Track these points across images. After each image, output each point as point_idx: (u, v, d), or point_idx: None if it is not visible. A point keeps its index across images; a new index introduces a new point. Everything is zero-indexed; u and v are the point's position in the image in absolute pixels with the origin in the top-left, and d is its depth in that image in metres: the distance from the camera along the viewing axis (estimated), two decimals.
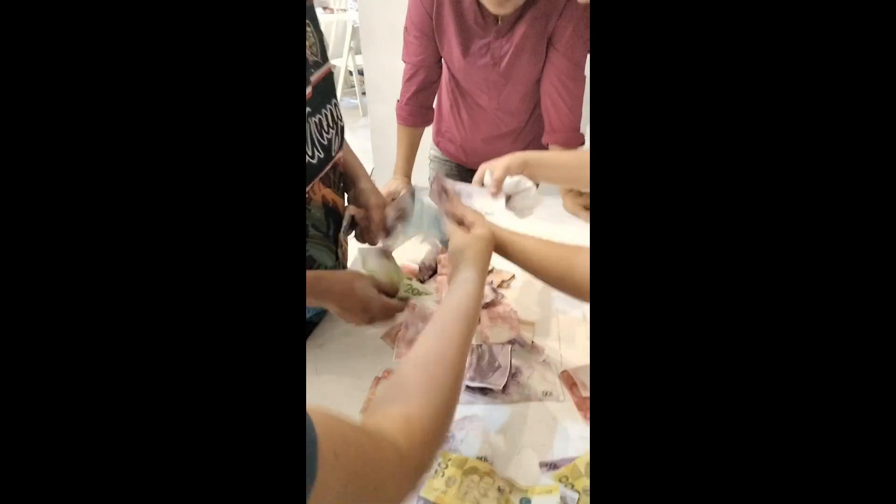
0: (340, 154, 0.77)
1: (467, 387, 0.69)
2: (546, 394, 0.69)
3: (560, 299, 0.88)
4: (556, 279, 0.66)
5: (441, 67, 1.16)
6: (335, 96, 0.74)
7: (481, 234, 0.66)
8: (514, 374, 0.71)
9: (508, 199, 0.83)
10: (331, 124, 0.72)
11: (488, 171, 0.81)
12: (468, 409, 0.66)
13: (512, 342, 0.76)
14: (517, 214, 0.85)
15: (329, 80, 0.72)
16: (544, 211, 1.16)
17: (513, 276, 0.93)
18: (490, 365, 0.72)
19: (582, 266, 0.62)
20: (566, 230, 1.08)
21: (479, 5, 1.00)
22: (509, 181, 0.80)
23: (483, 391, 0.68)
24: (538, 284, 0.92)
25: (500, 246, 0.68)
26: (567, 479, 0.59)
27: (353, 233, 0.83)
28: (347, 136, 0.80)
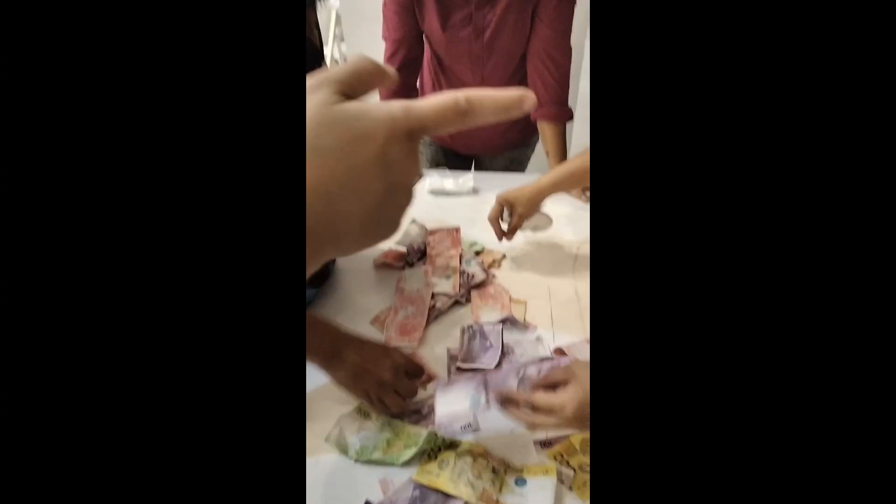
0: None
1: (458, 368, 0.67)
2: (543, 360, 0.67)
3: (552, 277, 0.86)
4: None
5: (423, 44, 1.13)
6: None
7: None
8: (506, 353, 0.69)
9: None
10: None
11: (506, 207, 0.86)
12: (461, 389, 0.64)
13: (504, 321, 0.74)
14: (532, 231, 0.93)
15: None
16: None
17: (503, 256, 0.91)
18: (482, 345, 0.70)
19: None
20: (556, 210, 1.06)
21: None
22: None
23: (475, 372, 0.66)
24: (529, 263, 0.90)
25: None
26: (562, 456, 0.57)
27: None
28: None
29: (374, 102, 0.22)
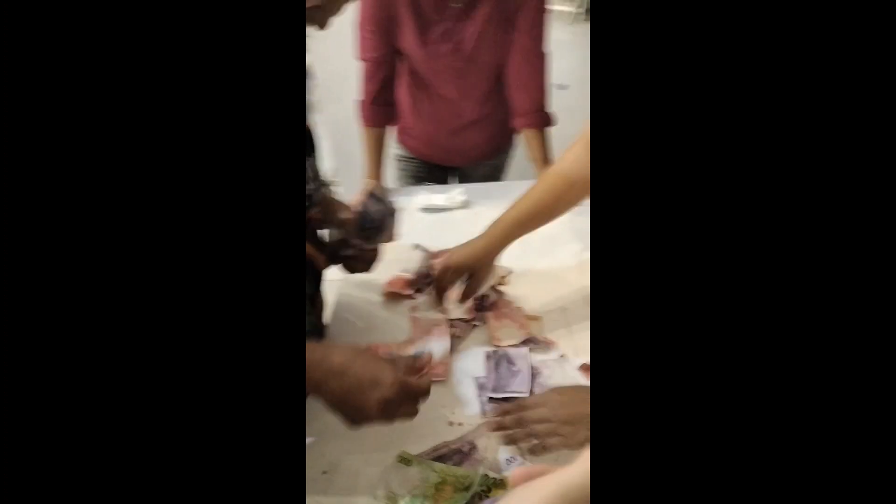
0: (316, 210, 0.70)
1: (491, 398, 0.66)
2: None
3: (560, 287, 0.86)
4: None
5: (398, 61, 1.11)
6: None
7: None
8: (534, 376, 0.69)
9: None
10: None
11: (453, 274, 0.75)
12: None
13: (526, 342, 0.74)
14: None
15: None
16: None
17: (510, 272, 0.90)
18: (509, 371, 0.69)
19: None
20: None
21: None
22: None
23: (508, 400, 0.66)
24: (535, 276, 0.90)
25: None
26: None
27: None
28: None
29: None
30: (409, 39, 1.02)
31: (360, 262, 0.74)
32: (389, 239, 0.76)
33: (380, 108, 1.12)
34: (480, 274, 0.76)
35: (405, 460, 0.59)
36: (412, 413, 0.53)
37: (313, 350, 0.49)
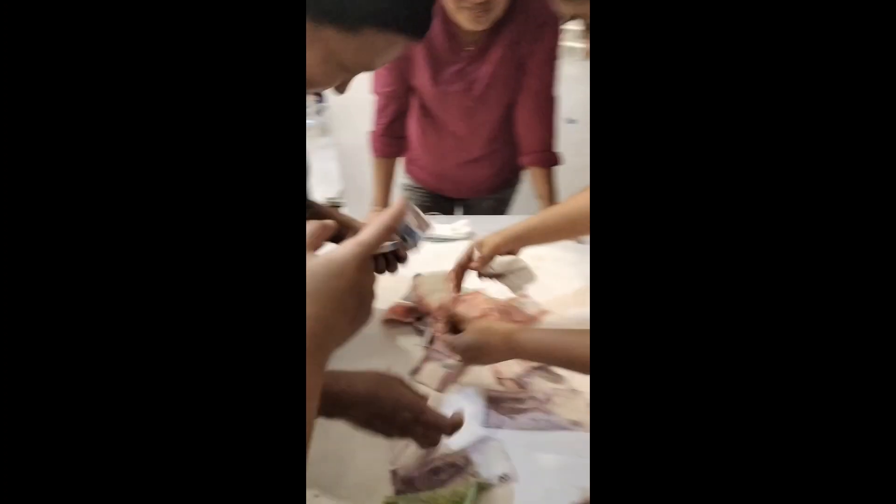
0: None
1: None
2: (574, 423, 0.68)
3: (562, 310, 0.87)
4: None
5: (410, 96, 1.15)
6: None
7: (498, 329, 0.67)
8: (543, 401, 0.70)
9: (501, 276, 0.85)
10: None
11: (476, 248, 0.79)
12: (486, 432, 0.66)
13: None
14: (511, 290, 0.86)
15: None
16: None
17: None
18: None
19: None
20: (554, 253, 1.08)
21: (449, 32, 1.00)
22: (502, 261, 0.79)
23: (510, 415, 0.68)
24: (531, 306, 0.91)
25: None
26: None
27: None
28: (310, 156, 0.75)
29: (332, 248, 0.34)
30: (422, 77, 1.07)
31: (391, 262, 0.76)
32: (415, 248, 0.79)
33: (390, 140, 1.16)
34: (485, 252, 0.78)
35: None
36: (434, 442, 0.56)
37: (338, 379, 0.54)
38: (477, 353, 0.68)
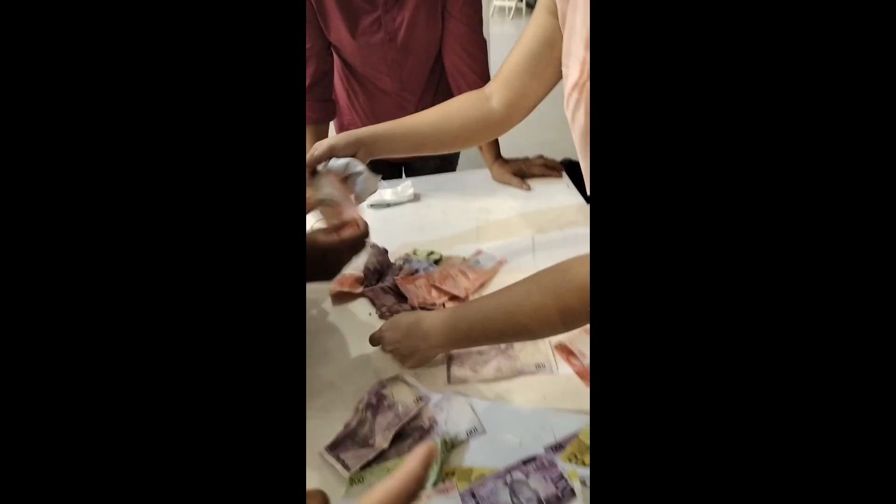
0: None
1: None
2: (539, 366, 0.66)
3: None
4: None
5: (332, 56, 1.07)
6: None
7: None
8: (504, 349, 0.68)
9: (345, 179, 0.73)
10: None
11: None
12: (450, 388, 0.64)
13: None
14: (354, 200, 0.75)
15: None
16: (472, 186, 1.12)
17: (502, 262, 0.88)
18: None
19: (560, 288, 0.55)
20: (502, 203, 1.05)
21: None
22: (336, 163, 0.70)
23: (473, 368, 0.65)
24: (524, 265, 0.88)
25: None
26: (576, 456, 0.56)
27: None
28: None
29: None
30: (338, 31, 0.99)
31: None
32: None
33: (315, 104, 1.08)
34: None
35: (356, 480, 0.55)
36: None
37: None
38: (401, 358, 0.66)
